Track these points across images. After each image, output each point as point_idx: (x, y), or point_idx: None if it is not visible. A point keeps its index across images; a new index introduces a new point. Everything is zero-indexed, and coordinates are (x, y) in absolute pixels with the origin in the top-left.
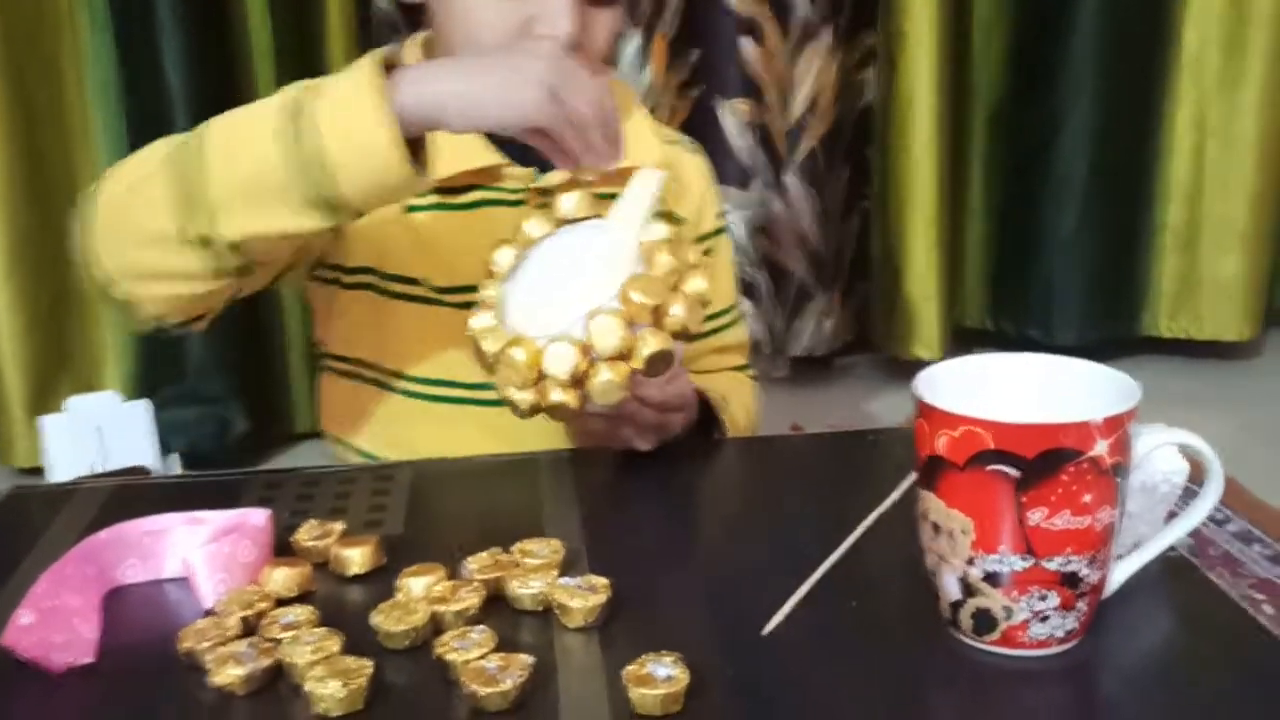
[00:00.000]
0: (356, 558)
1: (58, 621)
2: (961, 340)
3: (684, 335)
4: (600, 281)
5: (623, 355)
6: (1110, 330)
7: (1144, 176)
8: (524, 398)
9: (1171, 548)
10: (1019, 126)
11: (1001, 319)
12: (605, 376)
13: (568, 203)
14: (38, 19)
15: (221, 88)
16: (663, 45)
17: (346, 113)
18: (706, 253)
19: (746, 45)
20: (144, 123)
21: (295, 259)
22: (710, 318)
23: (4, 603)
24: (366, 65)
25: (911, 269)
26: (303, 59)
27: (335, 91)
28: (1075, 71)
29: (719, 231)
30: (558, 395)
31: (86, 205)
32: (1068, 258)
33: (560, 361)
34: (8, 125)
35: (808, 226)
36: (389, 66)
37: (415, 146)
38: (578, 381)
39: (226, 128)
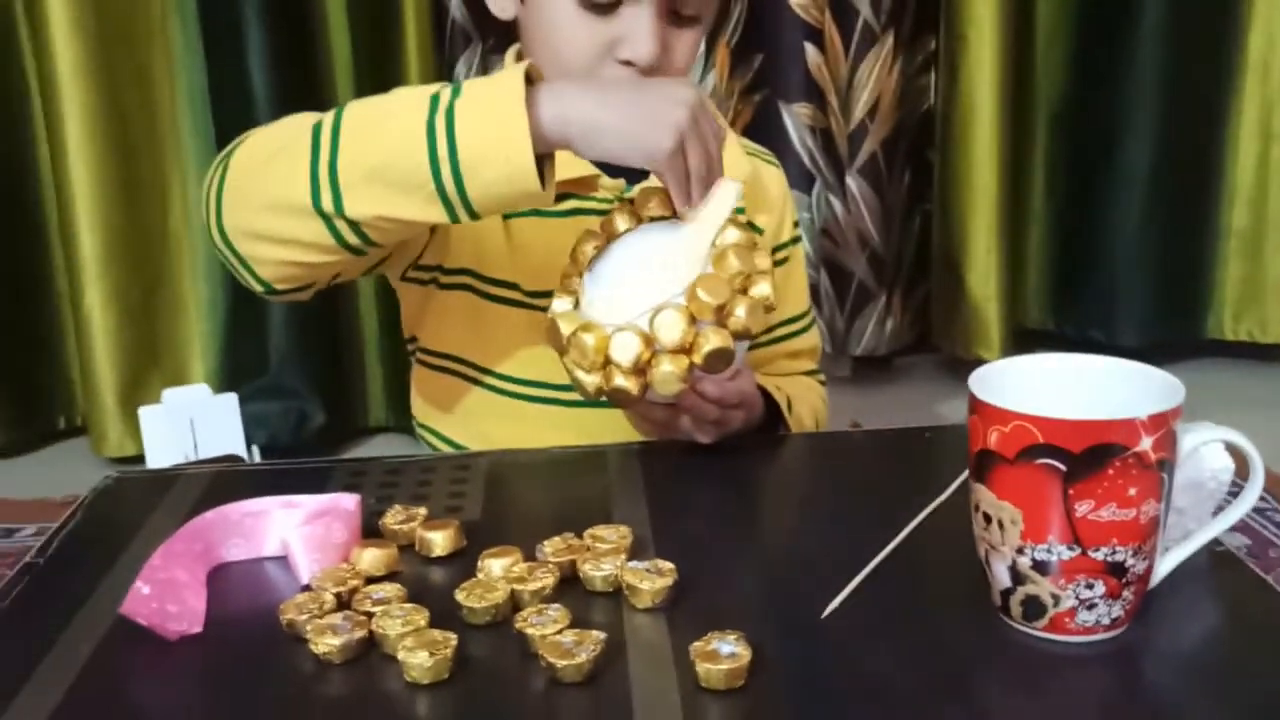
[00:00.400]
0: (440, 540)
1: (171, 593)
2: (1023, 341)
3: (745, 336)
4: (671, 278)
5: (684, 349)
6: (1174, 332)
7: (1208, 179)
8: (590, 380)
9: (1218, 542)
10: (1081, 129)
11: (1063, 320)
12: (665, 368)
13: (653, 201)
14: (131, 25)
15: (303, 93)
16: (725, 53)
17: (488, 118)
18: (783, 261)
19: (809, 50)
20: (230, 125)
21: (396, 251)
22: (785, 323)
23: (117, 576)
24: (514, 75)
25: (973, 270)
26: (381, 67)
27: (480, 95)
28: (1138, 74)
29: (795, 240)
30: (620, 381)
31: (220, 164)
32: (1130, 260)
33: (625, 350)
34: (102, 126)
35: (869, 228)
36: (528, 78)
37: (540, 160)
38: (640, 370)
39: (369, 112)
